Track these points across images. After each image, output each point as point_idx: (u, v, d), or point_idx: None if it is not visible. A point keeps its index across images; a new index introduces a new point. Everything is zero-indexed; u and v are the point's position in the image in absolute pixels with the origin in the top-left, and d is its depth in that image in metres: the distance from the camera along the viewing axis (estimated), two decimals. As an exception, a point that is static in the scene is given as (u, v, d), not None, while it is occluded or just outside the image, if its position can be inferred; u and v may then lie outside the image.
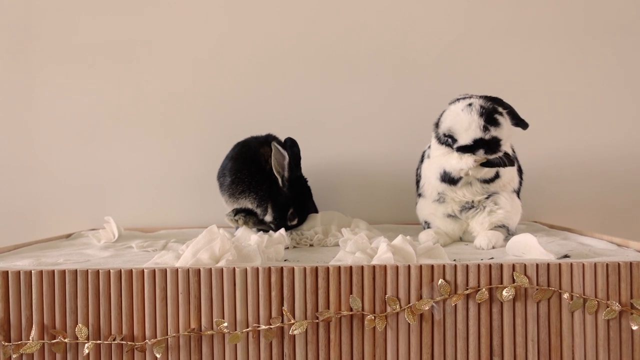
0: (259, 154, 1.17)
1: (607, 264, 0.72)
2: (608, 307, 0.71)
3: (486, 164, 1.00)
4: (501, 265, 0.72)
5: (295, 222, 1.16)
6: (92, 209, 1.45)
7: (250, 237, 0.97)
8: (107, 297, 0.72)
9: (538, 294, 0.71)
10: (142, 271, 0.72)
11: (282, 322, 0.71)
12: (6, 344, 0.71)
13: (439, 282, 0.71)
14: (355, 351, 0.71)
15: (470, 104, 0.98)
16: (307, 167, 1.33)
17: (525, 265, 0.72)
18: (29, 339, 0.71)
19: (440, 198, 1.09)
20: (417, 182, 1.19)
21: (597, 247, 0.94)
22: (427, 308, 0.71)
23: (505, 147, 1.00)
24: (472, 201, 1.06)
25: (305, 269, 0.71)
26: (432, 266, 0.72)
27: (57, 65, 1.44)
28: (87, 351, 0.71)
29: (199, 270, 0.72)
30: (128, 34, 1.45)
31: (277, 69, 1.46)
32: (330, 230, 1.15)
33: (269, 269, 0.71)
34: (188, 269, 0.72)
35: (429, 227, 1.14)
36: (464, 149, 0.98)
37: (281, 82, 1.46)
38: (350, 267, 0.72)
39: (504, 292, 0.71)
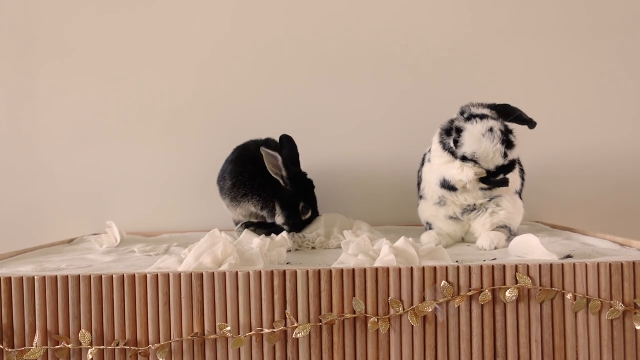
0: (259, 156, 1.17)
1: (610, 264, 0.72)
2: (611, 307, 0.71)
3: (485, 179, 1.01)
4: (504, 266, 0.72)
5: (309, 215, 1.16)
6: (94, 214, 1.45)
7: (253, 241, 0.97)
8: (110, 302, 0.72)
9: (541, 295, 0.71)
10: (145, 276, 0.72)
11: (285, 325, 0.71)
12: (9, 350, 0.71)
13: (442, 283, 0.71)
14: (359, 354, 0.71)
15: (491, 129, 0.99)
16: (309, 169, 1.32)
17: (528, 265, 0.72)
18: (32, 345, 0.71)
19: (441, 201, 1.09)
20: (418, 184, 1.19)
21: (600, 247, 0.93)
22: (430, 310, 0.71)
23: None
24: (474, 204, 1.06)
25: (307, 271, 0.71)
26: (435, 268, 0.72)
27: (57, 68, 1.44)
28: (90, 356, 0.71)
29: (202, 274, 0.72)
30: (130, 36, 1.45)
31: (280, 72, 1.46)
32: (332, 232, 1.14)
33: (272, 272, 0.71)
34: (191, 273, 0.72)
35: (430, 228, 1.13)
36: (488, 174, 1.01)
37: (284, 85, 1.46)
38: (353, 270, 0.72)
39: (507, 293, 0.71)
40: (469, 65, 1.45)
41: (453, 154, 1.03)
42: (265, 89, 1.45)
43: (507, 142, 1.00)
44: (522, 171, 1.14)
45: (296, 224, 1.15)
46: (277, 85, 1.46)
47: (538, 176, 1.42)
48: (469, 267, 0.71)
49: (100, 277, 0.72)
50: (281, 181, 1.14)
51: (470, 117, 1.02)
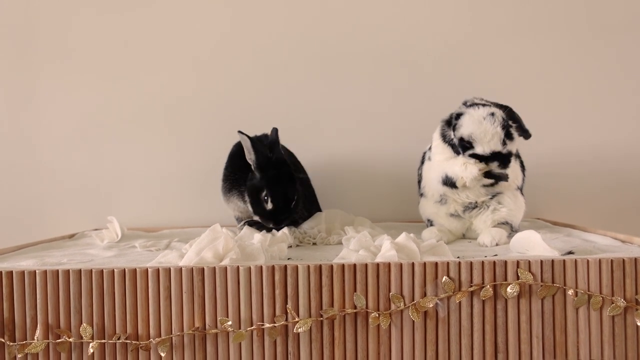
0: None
1: (611, 260, 0.72)
2: (613, 303, 0.71)
3: (487, 173, 1.00)
4: (505, 262, 0.72)
5: (271, 207, 1.05)
6: (95, 209, 1.45)
7: (254, 236, 0.97)
8: (112, 297, 0.72)
9: (542, 291, 0.71)
10: (146, 270, 0.72)
11: (287, 320, 0.71)
12: (11, 343, 0.71)
13: (443, 279, 0.71)
14: (360, 349, 0.71)
15: (493, 114, 0.98)
16: (310, 166, 1.33)
17: (529, 262, 0.72)
18: (33, 339, 0.71)
19: (442, 199, 1.09)
20: (419, 182, 1.19)
21: (601, 244, 0.93)
22: (431, 305, 0.71)
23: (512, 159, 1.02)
24: (476, 201, 1.06)
25: (309, 267, 0.71)
26: (436, 263, 0.72)
27: (58, 66, 1.44)
28: (91, 350, 0.71)
29: (203, 269, 0.72)
30: (130, 37, 1.45)
31: (280, 69, 1.46)
32: (333, 228, 1.14)
33: (273, 267, 0.71)
34: (192, 268, 0.72)
35: (432, 225, 1.13)
36: (479, 158, 0.98)
37: (285, 81, 1.46)
38: (354, 265, 0.72)
39: (509, 289, 0.71)
40: (469, 63, 1.45)
41: (454, 147, 1.02)
42: (265, 86, 1.45)
43: (508, 132, 0.99)
44: (523, 167, 1.14)
45: (263, 215, 1.07)
46: (277, 82, 1.45)
47: (539, 173, 1.41)
48: (471, 262, 0.71)
49: (102, 271, 0.72)
50: (252, 166, 1.08)
51: (473, 105, 1.02)
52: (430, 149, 1.13)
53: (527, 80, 1.45)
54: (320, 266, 0.71)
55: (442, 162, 1.05)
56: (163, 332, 0.71)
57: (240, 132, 1.07)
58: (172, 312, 0.71)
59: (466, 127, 0.99)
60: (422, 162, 1.17)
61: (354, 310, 0.71)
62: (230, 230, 1.08)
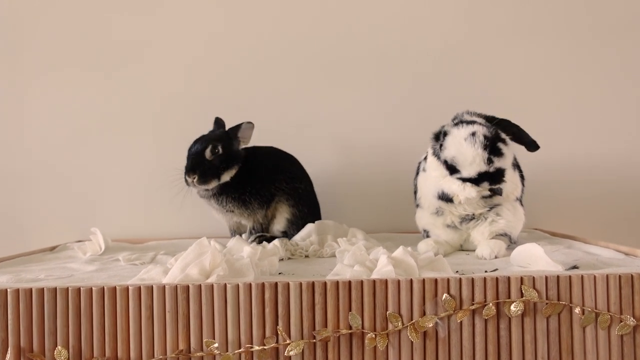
0: None
1: (619, 276, 0.68)
2: (622, 321, 0.67)
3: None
4: (508, 278, 0.68)
5: (193, 179, 1.09)
6: (78, 219, 1.40)
7: (243, 249, 0.92)
8: (89, 317, 0.67)
9: (548, 309, 0.67)
10: (127, 288, 0.67)
11: (277, 342, 0.66)
12: (-21, 368, 0.66)
13: (444, 296, 0.67)
14: (355, 371, 0.67)
15: (473, 133, 0.94)
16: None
17: (534, 277, 0.68)
18: (4, 363, 0.66)
19: (439, 211, 1.05)
20: (415, 192, 1.15)
21: (604, 257, 0.90)
22: (431, 325, 0.67)
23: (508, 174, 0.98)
24: (473, 213, 1.02)
25: (301, 284, 0.67)
26: (436, 280, 0.68)
27: (38, 73, 1.40)
28: (67, 375, 0.66)
29: (188, 286, 0.67)
30: (115, 39, 1.41)
31: (272, 75, 1.42)
32: (326, 240, 1.10)
33: (263, 284, 0.67)
34: (176, 286, 0.67)
35: (428, 236, 1.10)
36: (468, 181, 0.95)
37: (277, 88, 1.42)
38: (349, 282, 0.68)
39: (512, 307, 0.67)
40: (468, 72, 1.42)
41: (451, 171, 0.98)
42: (257, 95, 1.42)
43: (493, 149, 0.94)
44: (522, 177, 1.11)
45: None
46: (269, 88, 1.42)
47: (537, 182, 1.38)
48: (472, 279, 0.68)
49: (79, 289, 0.67)
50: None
51: (459, 123, 0.98)
52: (425, 159, 1.09)
53: (525, 88, 1.42)
54: (313, 283, 0.67)
55: (439, 178, 1.01)
56: (144, 354, 0.67)
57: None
58: (154, 333, 0.67)
59: (449, 150, 0.96)
60: (417, 173, 1.14)
61: (349, 331, 0.67)
62: (219, 243, 1.04)
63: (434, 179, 1.02)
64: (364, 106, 1.43)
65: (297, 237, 1.12)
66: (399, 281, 0.68)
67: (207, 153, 1.10)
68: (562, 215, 1.42)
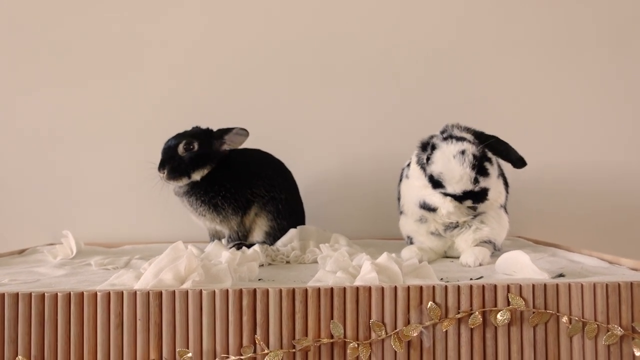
0: None
1: (606, 285, 0.67)
2: (609, 331, 0.66)
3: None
4: (495, 287, 0.66)
5: (163, 173, 1.06)
6: (50, 222, 1.34)
7: (221, 254, 0.89)
8: (54, 325, 0.63)
9: (535, 318, 0.66)
10: (95, 294, 0.63)
11: (255, 351, 0.63)
12: None
13: (429, 305, 0.65)
14: (336, 383, 0.64)
15: (463, 152, 0.93)
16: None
17: (520, 286, 0.66)
18: (-41, 374, 0.62)
19: (422, 219, 1.04)
20: (398, 199, 1.14)
21: (589, 265, 0.89)
22: (415, 334, 0.64)
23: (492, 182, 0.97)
24: (457, 221, 1.01)
25: (280, 290, 0.64)
26: (421, 287, 0.65)
27: (12, 76, 1.34)
28: (28, 387, 0.61)
29: (161, 292, 0.63)
30: (91, 39, 1.36)
31: (257, 79, 1.40)
32: (308, 245, 1.07)
33: (240, 291, 0.64)
34: (148, 292, 0.63)
35: (412, 243, 1.08)
36: (452, 197, 0.94)
37: (261, 92, 1.40)
38: (331, 289, 0.65)
39: (499, 316, 0.65)
40: (459, 81, 1.42)
41: (435, 184, 0.97)
42: (240, 99, 1.39)
43: (481, 169, 0.94)
44: (506, 184, 1.10)
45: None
46: (253, 92, 1.39)
47: (520, 190, 1.38)
48: (458, 286, 0.65)
49: (43, 295, 0.63)
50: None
51: (448, 138, 0.97)
52: (408, 165, 1.08)
53: (511, 96, 1.42)
54: (294, 290, 0.64)
55: (421, 188, 1.00)
56: (113, 365, 0.63)
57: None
58: (123, 343, 0.63)
59: (436, 165, 0.95)
60: (401, 180, 1.12)
61: (331, 340, 0.64)
62: (196, 248, 1.01)
63: (416, 188, 1.01)
64: (351, 113, 1.41)
65: (279, 243, 1.09)
66: (382, 288, 0.65)
67: (180, 149, 1.07)
68: (545, 223, 1.42)
